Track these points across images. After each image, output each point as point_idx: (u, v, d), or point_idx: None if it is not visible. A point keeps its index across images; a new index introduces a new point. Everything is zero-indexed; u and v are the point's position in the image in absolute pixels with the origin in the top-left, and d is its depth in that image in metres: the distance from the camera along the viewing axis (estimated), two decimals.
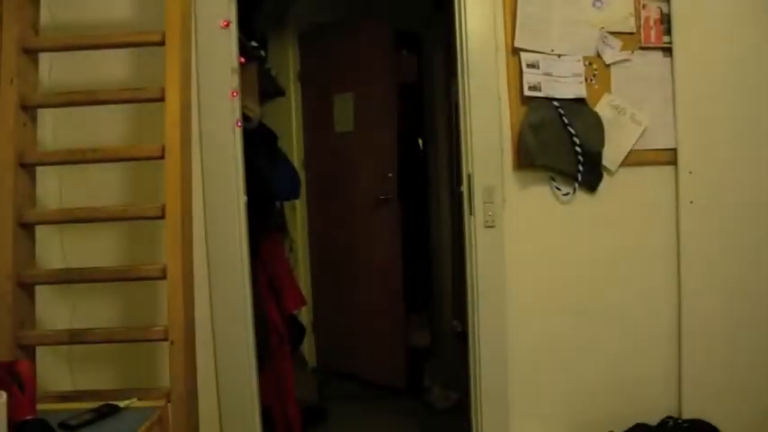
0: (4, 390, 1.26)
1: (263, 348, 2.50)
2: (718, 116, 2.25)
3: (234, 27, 2.13)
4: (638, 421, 2.23)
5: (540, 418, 2.29)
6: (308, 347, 4.13)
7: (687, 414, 2.24)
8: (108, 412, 1.55)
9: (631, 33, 2.23)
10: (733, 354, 2.27)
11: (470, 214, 2.22)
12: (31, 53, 1.94)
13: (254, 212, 2.29)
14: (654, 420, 2.24)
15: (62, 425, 1.44)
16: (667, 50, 2.24)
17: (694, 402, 2.25)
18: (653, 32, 2.23)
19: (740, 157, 2.26)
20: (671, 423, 2.22)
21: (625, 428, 2.22)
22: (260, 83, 3.08)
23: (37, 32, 1.98)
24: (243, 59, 2.19)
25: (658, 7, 2.23)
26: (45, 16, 2.04)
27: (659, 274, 2.28)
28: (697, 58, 2.24)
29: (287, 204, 3.86)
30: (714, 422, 2.20)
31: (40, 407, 1.45)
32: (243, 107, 2.31)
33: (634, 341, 2.29)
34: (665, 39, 2.24)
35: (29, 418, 1.32)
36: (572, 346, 2.29)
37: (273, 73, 3.66)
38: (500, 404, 2.25)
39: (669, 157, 2.25)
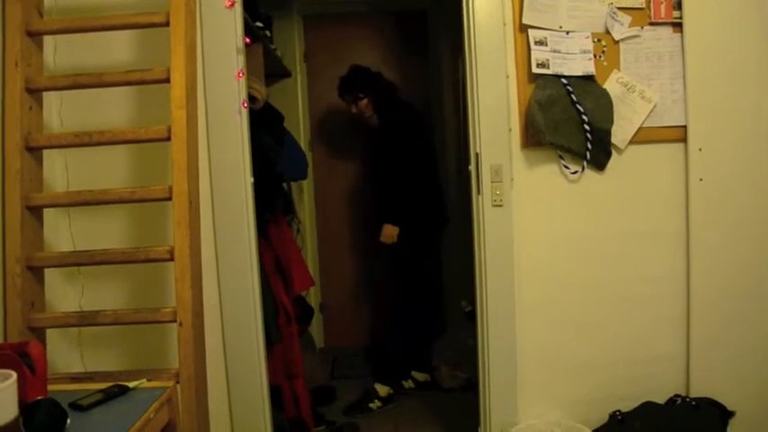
0: (15, 371, 1.27)
1: (272, 329, 2.51)
2: (729, 92, 2.21)
3: (239, 7, 2.11)
4: (647, 400, 2.23)
5: (549, 397, 2.30)
6: (316, 328, 4.15)
7: (695, 392, 2.25)
8: (118, 393, 1.55)
9: (641, 9, 2.20)
10: (741, 333, 2.26)
11: (478, 193, 2.21)
12: (35, 36, 1.94)
13: (262, 194, 2.29)
14: (662, 399, 2.24)
15: (73, 405, 1.46)
16: (677, 25, 2.21)
17: (702, 381, 2.25)
18: (663, 7, 2.20)
19: (751, 134, 2.23)
20: (679, 401, 2.22)
21: (633, 407, 2.23)
22: (265, 63, 3.07)
23: (41, 15, 1.97)
24: (248, 40, 2.17)
25: None
26: None
27: (668, 252, 2.27)
28: (708, 32, 2.20)
29: (294, 186, 3.86)
30: (722, 400, 2.20)
31: (50, 388, 1.46)
32: (249, 88, 2.30)
33: (643, 320, 2.28)
34: (675, 13, 2.20)
35: (40, 398, 1.33)
36: (580, 324, 2.29)
37: (279, 54, 3.64)
38: (508, 383, 2.26)
39: (679, 135, 2.23)
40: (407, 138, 3.29)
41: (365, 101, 3.39)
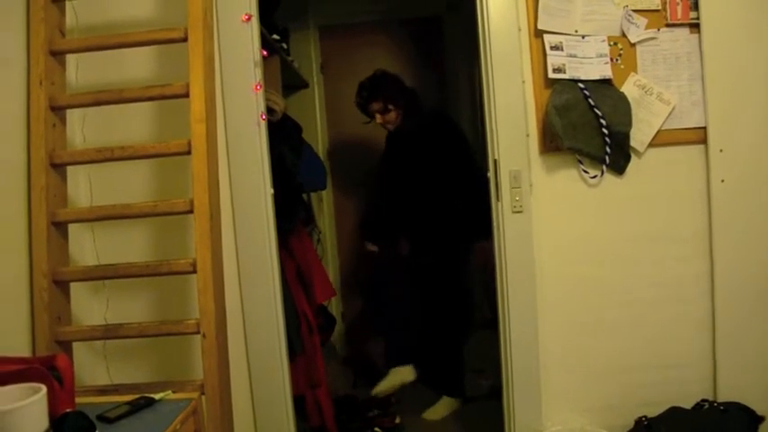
0: (44, 384, 1.29)
1: (294, 339, 2.52)
2: (749, 92, 2.19)
3: (255, 20, 2.14)
4: (673, 405, 2.20)
5: (573, 403, 2.28)
6: (338, 338, 4.16)
7: (722, 397, 2.21)
8: (144, 405, 1.57)
9: (657, 10, 2.19)
10: None
11: (498, 200, 2.21)
12: (58, 55, 1.98)
13: (282, 204, 2.31)
14: (689, 404, 2.21)
15: (100, 417, 1.48)
16: (695, 26, 2.19)
17: (730, 385, 2.21)
18: (679, 8, 2.19)
19: None
20: (706, 406, 2.19)
21: (659, 412, 2.20)
22: (283, 75, 3.10)
23: (63, 34, 2.02)
24: (265, 53, 2.19)
25: None
26: (70, 18, 2.07)
27: (691, 255, 2.24)
28: (726, 32, 2.18)
29: (314, 196, 3.88)
30: (751, 404, 2.16)
31: (78, 400, 1.48)
32: (267, 100, 2.32)
33: (667, 324, 2.26)
34: (692, 14, 2.18)
35: (68, 411, 1.35)
36: (603, 329, 2.27)
37: (296, 65, 3.67)
38: (532, 389, 2.25)
39: (699, 136, 2.21)
40: (458, 147, 3.18)
41: (394, 113, 3.19)
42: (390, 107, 3.19)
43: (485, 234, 3.08)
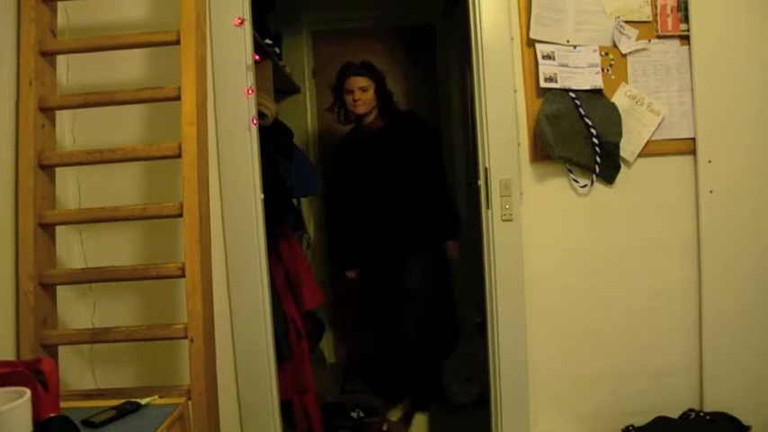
0: (29, 388, 1.28)
1: (282, 344, 2.51)
2: (738, 104, 2.21)
3: (248, 25, 2.14)
4: (660, 414, 2.21)
5: (561, 411, 2.29)
6: (326, 344, 4.14)
7: (709, 406, 2.22)
8: (130, 409, 1.56)
9: (648, 22, 2.21)
10: (755, 345, 2.24)
11: (488, 208, 2.21)
12: (48, 56, 1.97)
13: (272, 209, 2.30)
14: (675, 413, 2.22)
15: (85, 422, 1.46)
16: (685, 38, 2.21)
17: (716, 395, 2.23)
18: (670, 20, 2.21)
19: (760, 145, 2.22)
20: (693, 416, 2.20)
21: (646, 421, 2.20)
22: (274, 80, 3.09)
23: (54, 35, 2.00)
24: (257, 57, 2.19)
25: None
26: (61, 18, 2.06)
27: (679, 265, 2.25)
28: (715, 45, 2.21)
29: (304, 201, 3.87)
30: (737, 414, 2.18)
31: (63, 405, 1.47)
32: (258, 104, 2.32)
33: (654, 333, 2.27)
34: (683, 26, 2.21)
35: (52, 415, 1.34)
36: (591, 338, 2.27)
37: (288, 70, 3.66)
38: (520, 397, 2.25)
39: (688, 147, 2.23)
40: (434, 145, 3.27)
41: (373, 97, 3.14)
42: (374, 90, 3.15)
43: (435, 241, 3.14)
